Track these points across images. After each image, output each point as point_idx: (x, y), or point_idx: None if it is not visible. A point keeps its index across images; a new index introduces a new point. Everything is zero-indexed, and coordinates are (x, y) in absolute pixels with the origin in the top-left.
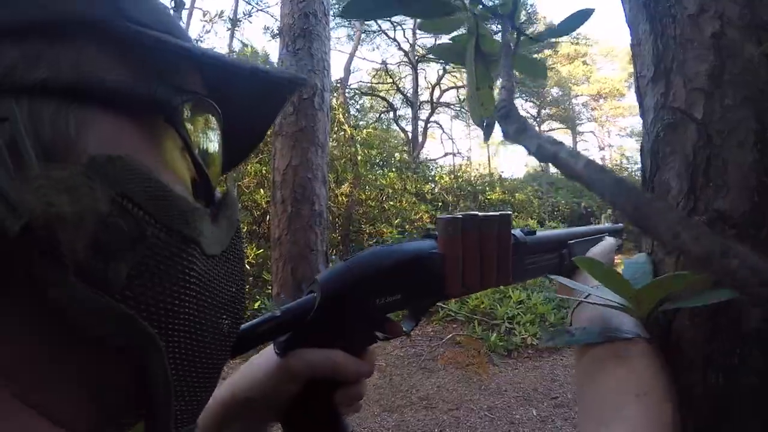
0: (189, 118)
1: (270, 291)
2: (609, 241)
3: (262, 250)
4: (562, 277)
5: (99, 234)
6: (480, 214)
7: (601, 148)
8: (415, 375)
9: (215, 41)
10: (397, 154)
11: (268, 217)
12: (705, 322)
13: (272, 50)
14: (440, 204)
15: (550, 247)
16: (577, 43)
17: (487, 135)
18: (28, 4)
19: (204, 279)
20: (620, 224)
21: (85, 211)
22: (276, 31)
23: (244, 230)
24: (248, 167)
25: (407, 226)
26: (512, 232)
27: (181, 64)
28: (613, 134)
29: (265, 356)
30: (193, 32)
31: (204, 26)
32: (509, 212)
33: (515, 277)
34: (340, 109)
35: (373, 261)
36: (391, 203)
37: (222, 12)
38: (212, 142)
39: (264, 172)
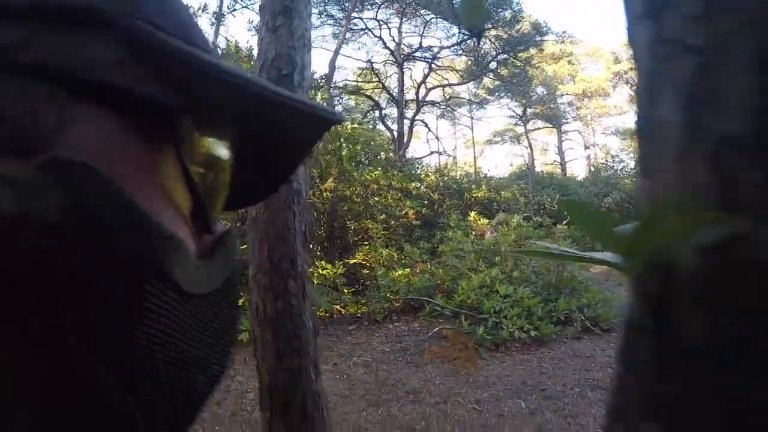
0: (193, 134)
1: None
2: None
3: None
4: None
5: (45, 243)
6: None
7: (586, 147)
8: (402, 370)
9: None
10: (383, 153)
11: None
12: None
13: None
14: (426, 201)
15: None
16: (563, 42)
17: (478, 40)
18: None
19: (180, 320)
20: None
21: (29, 214)
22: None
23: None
24: None
25: (392, 222)
26: None
27: (193, 75)
28: (597, 133)
29: None
30: None
31: None
32: None
33: None
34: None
35: None
36: (376, 199)
37: (206, 5)
38: (217, 167)
39: None
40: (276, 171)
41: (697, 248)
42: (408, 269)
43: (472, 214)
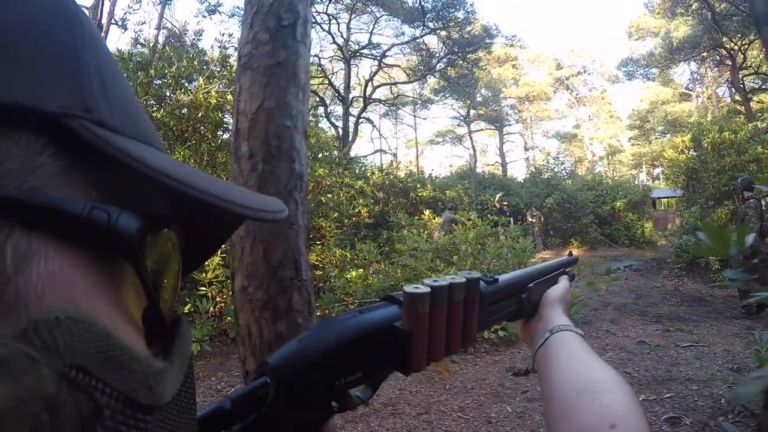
0: (149, 246)
1: (202, 292)
2: (564, 281)
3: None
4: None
5: (44, 419)
6: (448, 280)
7: (527, 149)
8: None
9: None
10: (327, 151)
11: None
12: None
13: (207, 27)
14: (371, 200)
15: (510, 293)
16: (512, 45)
17: None
18: None
19: (163, 428)
20: (574, 256)
21: (27, 394)
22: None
23: None
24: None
25: (345, 221)
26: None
27: (148, 185)
28: (538, 136)
29: None
30: (119, 8)
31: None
32: (478, 275)
33: (477, 332)
34: None
35: (331, 338)
36: (329, 196)
37: None
38: (170, 270)
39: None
40: (213, 242)
41: None
42: (361, 270)
43: (426, 212)
